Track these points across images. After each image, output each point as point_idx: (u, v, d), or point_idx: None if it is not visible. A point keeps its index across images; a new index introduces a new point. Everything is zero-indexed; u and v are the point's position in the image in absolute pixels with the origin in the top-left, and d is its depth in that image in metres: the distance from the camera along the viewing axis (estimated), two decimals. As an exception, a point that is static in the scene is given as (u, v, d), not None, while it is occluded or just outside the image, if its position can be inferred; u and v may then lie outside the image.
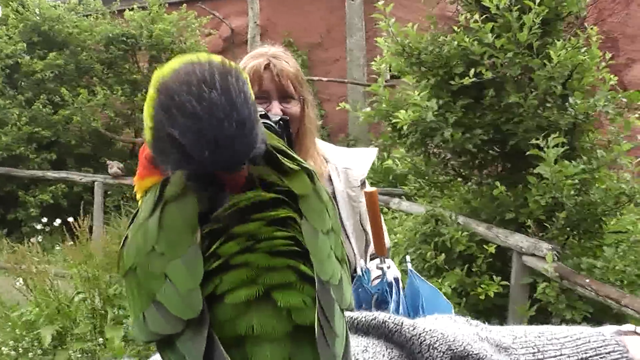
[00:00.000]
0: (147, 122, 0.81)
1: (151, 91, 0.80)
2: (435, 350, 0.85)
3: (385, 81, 6.72)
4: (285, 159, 0.86)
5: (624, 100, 5.55)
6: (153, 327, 0.79)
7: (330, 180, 2.65)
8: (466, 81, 5.68)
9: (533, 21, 5.45)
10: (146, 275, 0.81)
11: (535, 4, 5.41)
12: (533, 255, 5.16)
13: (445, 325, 0.92)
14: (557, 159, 5.11)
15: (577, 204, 5.23)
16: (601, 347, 0.89)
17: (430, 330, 0.88)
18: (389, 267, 2.53)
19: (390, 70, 6.83)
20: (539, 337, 0.92)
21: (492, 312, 5.54)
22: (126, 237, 0.87)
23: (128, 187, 11.97)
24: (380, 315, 0.94)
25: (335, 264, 0.83)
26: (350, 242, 2.61)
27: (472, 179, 6.69)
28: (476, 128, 5.89)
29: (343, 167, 2.70)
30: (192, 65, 0.79)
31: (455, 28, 6.11)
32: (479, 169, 6.54)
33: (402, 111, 5.93)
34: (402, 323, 0.89)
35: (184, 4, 12.88)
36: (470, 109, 6.02)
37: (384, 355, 0.88)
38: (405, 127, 5.92)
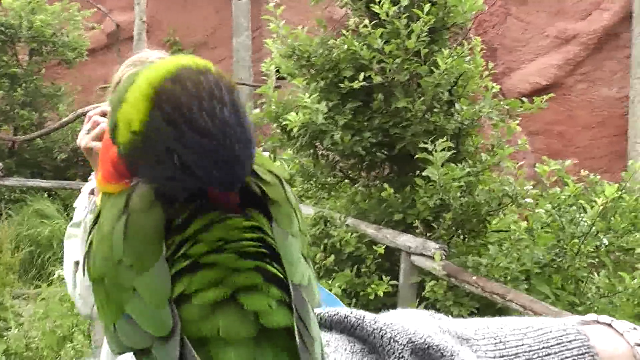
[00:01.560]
0: (130, 127, 0.78)
1: (139, 95, 0.77)
2: (397, 343, 0.86)
3: (278, 83, 6.77)
4: (258, 166, 0.86)
5: (506, 107, 5.82)
6: (126, 341, 0.79)
7: None
8: (356, 85, 5.79)
9: (421, 29, 5.61)
10: (115, 287, 0.80)
11: (423, 13, 5.58)
12: (421, 254, 5.33)
13: (406, 318, 0.93)
14: (443, 162, 5.29)
15: (462, 204, 5.44)
16: (562, 336, 0.92)
17: (391, 323, 0.89)
18: None
19: (278, 72, 6.86)
20: (501, 328, 0.93)
21: (382, 311, 5.66)
22: (90, 243, 0.86)
23: (7, 188, 11.43)
24: (342, 311, 0.94)
25: (304, 265, 0.83)
26: None
27: (359, 181, 6.82)
28: (365, 131, 6.01)
29: None
30: (195, 74, 0.76)
31: (345, 32, 6.22)
32: (366, 171, 6.67)
33: (293, 113, 5.97)
34: (363, 317, 0.90)
35: (68, -5, 12.37)
36: (359, 113, 6.14)
37: (345, 350, 0.89)
38: (295, 129, 5.96)
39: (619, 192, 4.76)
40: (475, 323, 0.96)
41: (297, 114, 5.92)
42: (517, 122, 5.99)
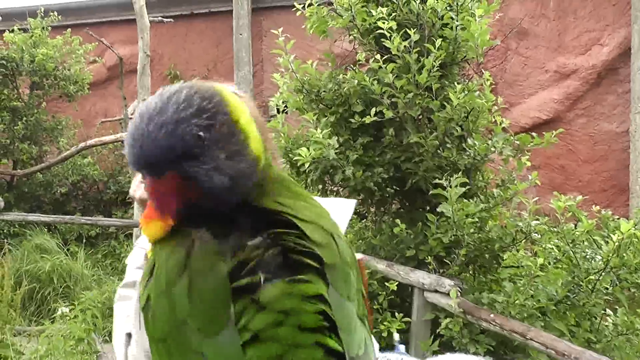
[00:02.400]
0: None
1: None
2: None
3: (272, 116, 6.76)
4: (306, 222, 0.86)
5: (517, 142, 5.83)
6: None
7: None
8: (367, 120, 5.79)
9: (432, 64, 5.63)
10: (180, 348, 0.79)
11: (434, 48, 5.61)
12: (435, 291, 5.29)
13: None
14: (457, 198, 5.28)
15: (475, 240, 5.42)
16: None
17: None
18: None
19: (286, 107, 6.86)
20: None
21: (395, 349, 5.60)
22: (148, 297, 0.85)
23: (7, 222, 11.34)
24: (393, 356, 0.96)
25: (360, 329, 0.84)
26: None
27: (367, 217, 6.80)
28: (376, 166, 6.00)
29: None
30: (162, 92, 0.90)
31: (354, 67, 6.24)
32: (376, 206, 6.65)
33: (304, 149, 5.96)
34: None
35: (69, 29, 12.40)
36: (370, 148, 6.13)
37: None
38: (306, 165, 5.95)
39: (635, 228, 4.73)
40: None
41: (307, 149, 5.91)
42: (528, 157, 5.99)
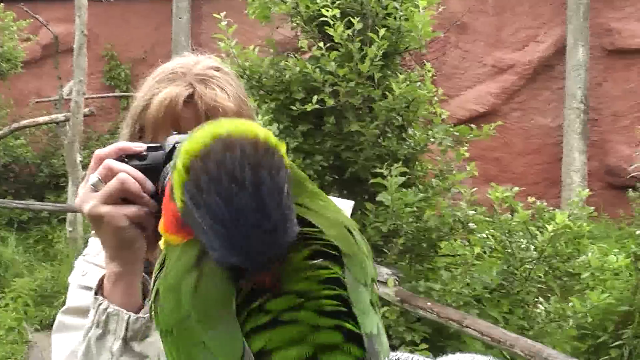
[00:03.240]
0: (177, 192, 0.81)
1: (180, 164, 0.79)
2: None
3: None
4: (324, 219, 0.86)
5: (456, 133, 5.92)
6: None
7: None
8: (308, 107, 5.78)
9: (375, 53, 5.66)
10: (184, 340, 0.81)
11: (378, 37, 5.63)
12: (373, 279, 5.33)
13: None
14: (396, 187, 5.33)
15: (414, 230, 5.48)
16: None
17: None
18: None
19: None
20: None
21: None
22: (157, 292, 0.87)
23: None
24: (403, 356, 0.97)
25: (374, 314, 0.84)
26: None
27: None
28: (316, 154, 6.01)
29: None
30: (224, 148, 0.77)
31: (295, 54, 6.23)
32: (315, 194, 6.65)
33: (244, 134, 5.90)
34: None
35: (2, 4, 11.90)
36: (311, 135, 6.13)
37: None
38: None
39: (568, 219, 4.87)
40: None
41: (248, 134, 5.86)
42: (466, 148, 6.08)
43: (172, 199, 0.84)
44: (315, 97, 5.78)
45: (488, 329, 4.07)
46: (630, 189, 7.09)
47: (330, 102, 5.81)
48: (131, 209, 1.23)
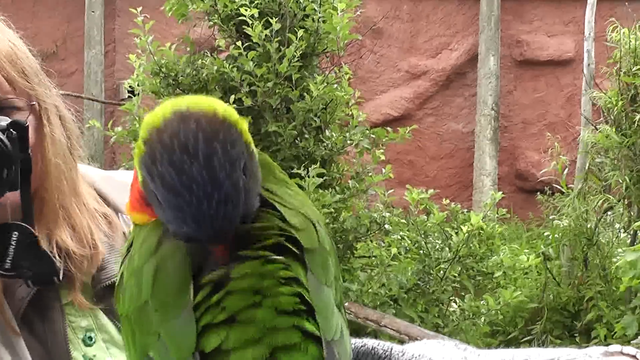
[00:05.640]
0: (136, 165, 0.81)
1: (140, 138, 0.79)
2: None
3: (123, 99, 6.58)
4: (287, 208, 0.85)
5: (373, 136, 5.98)
6: None
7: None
8: (226, 107, 5.72)
9: (293, 54, 5.66)
10: (140, 327, 0.81)
11: (296, 38, 5.63)
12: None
13: (433, 349, 0.94)
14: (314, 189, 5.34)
15: (330, 231, 5.49)
16: None
17: (419, 355, 0.90)
18: None
19: (131, 88, 6.64)
20: (526, 359, 0.94)
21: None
22: (122, 276, 0.87)
23: None
24: (370, 342, 0.95)
25: (337, 316, 0.83)
26: None
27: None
28: (233, 154, 5.95)
29: None
30: (179, 121, 0.77)
31: (212, 53, 6.17)
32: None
33: (160, 133, 5.80)
34: (391, 349, 0.93)
35: None
36: (228, 135, 6.07)
37: None
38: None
39: (482, 220, 4.99)
40: (501, 354, 0.97)
41: (164, 133, 5.76)
42: (382, 150, 6.15)
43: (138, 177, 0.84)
44: (232, 97, 5.73)
45: (406, 328, 4.13)
46: (538, 193, 7.32)
47: (248, 102, 5.78)
48: None
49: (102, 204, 1.39)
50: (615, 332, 5.26)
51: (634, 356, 0.96)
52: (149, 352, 0.80)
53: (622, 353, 0.97)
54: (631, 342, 4.71)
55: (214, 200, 0.75)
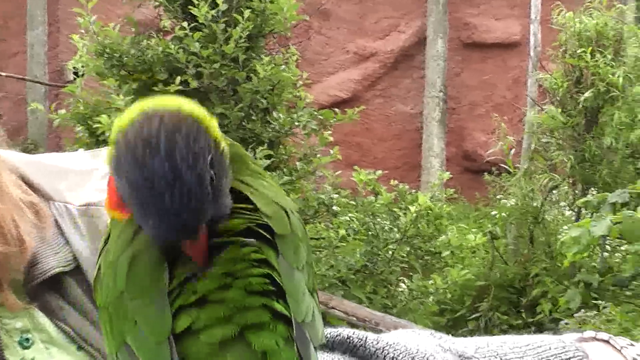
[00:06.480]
0: (109, 169, 0.79)
1: (110, 142, 0.78)
2: None
3: (69, 81, 6.44)
4: (260, 198, 0.83)
5: (320, 117, 5.96)
6: None
7: (62, 233, 1.23)
8: (172, 89, 5.64)
9: (240, 35, 5.59)
10: (117, 316, 0.82)
11: (242, 19, 5.57)
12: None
13: (408, 338, 0.94)
14: (261, 170, 5.31)
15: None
16: (562, 353, 0.94)
17: (394, 343, 0.90)
18: None
19: (75, 69, 6.50)
20: (501, 346, 0.95)
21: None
22: (99, 269, 0.87)
23: None
24: (345, 331, 0.95)
25: (309, 300, 0.83)
26: None
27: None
28: (180, 136, 5.88)
29: (81, 204, 1.27)
30: (143, 120, 0.75)
31: (157, 34, 6.07)
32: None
33: (104, 116, 5.69)
34: (366, 338, 0.91)
35: None
36: (174, 117, 5.99)
37: None
38: (107, 133, 5.69)
39: (430, 200, 5.01)
40: (476, 341, 0.97)
41: (109, 116, 5.65)
42: (330, 132, 6.13)
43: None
44: (178, 78, 5.66)
45: (354, 309, 4.13)
46: (485, 173, 7.40)
47: (194, 83, 5.70)
48: None
49: (28, 192, 1.26)
50: (559, 307, 5.37)
51: (607, 341, 0.97)
52: (126, 339, 0.81)
53: (595, 339, 0.99)
54: (574, 315, 4.81)
55: (176, 191, 0.74)
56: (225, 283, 0.78)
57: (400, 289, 5.11)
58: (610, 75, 6.64)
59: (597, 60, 6.73)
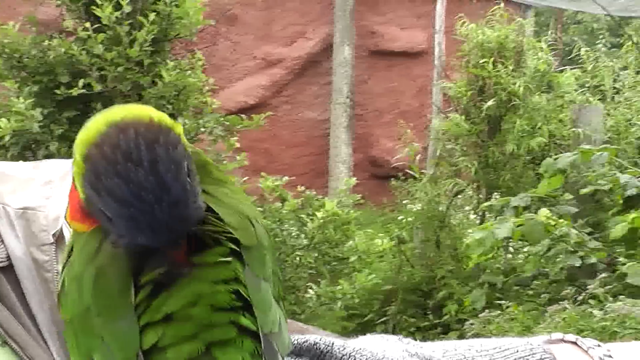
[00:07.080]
0: (77, 184, 0.78)
1: (77, 156, 0.76)
2: None
3: None
4: (224, 208, 0.82)
5: (227, 123, 5.93)
6: None
7: None
8: (74, 92, 5.50)
9: (144, 38, 5.50)
10: (83, 331, 0.82)
11: (147, 22, 5.48)
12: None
13: (374, 343, 0.94)
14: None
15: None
16: (529, 355, 0.94)
17: (360, 349, 0.90)
18: None
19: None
20: (469, 349, 0.96)
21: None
22: (63, 282, 0.85)
23: None
24: (312, 337, 0.94)
25: (275, 309, 0.83)
26: (47, 344, 1.16)
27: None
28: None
29: (19, 207, 1.23)
30: (117, 132, 0.74)
31: (60, 35, 5.90)
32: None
33: (4, 119, 5.48)
34: (332, 344, 0.91)
35: None
36: (77, 122, 5.82)
37: None
38: (6, 138, 5.48)
39: (337, 206, 5.05)
40: (443, 345, 0.98)
41: (8, 120, 5.45)
42: (236, 138, 6.11)
43: (76, 188, 0.80)
44: (81, 81, 5.51)
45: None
46: (392, 179, 7.52)
47: (98, 87, 5.57)
48: None
49: None
50: (464, 307, 5.51)
51: (574, 342, 0.99)
52: (93, 355, 0.81)
53: (563, 340, 1.00)
54: (479, 315, 4.93)
55: (165, 203, 0.73)
56: (192, 300, 0.78)
57: (308, 295, 5.12)
58: (511, 85, 6.91)
59: (498, 71, 6.98)
